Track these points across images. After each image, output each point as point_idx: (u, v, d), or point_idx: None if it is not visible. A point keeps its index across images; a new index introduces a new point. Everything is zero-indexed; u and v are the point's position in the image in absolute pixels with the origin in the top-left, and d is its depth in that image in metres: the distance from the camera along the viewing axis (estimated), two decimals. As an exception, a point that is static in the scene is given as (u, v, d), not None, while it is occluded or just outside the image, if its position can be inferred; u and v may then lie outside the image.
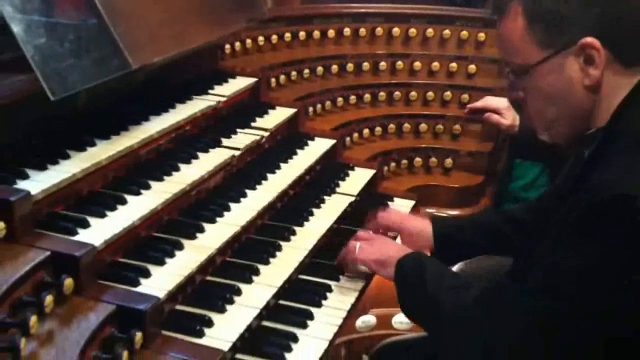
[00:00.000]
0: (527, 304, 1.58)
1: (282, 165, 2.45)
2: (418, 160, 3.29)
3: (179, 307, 1.80)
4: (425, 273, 1.83)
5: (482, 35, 3.44)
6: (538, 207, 2.05)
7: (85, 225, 1.75)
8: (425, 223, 2.23)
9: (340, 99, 3.26)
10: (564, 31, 1.59)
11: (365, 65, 3.37)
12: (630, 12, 1.59)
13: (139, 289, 1.70)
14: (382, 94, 3.36)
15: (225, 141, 2.36)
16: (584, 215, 1.50)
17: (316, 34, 3.31)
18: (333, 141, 2.76)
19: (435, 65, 3.43)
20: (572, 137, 1.72)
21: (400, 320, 3.27)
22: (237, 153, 2.31)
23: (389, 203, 2.63)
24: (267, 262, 2.02)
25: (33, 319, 1.40)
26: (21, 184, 1.74)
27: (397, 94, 3.38)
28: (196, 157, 2.21)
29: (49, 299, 1.48)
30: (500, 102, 3.07)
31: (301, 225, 2.25)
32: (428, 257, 2.01)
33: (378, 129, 3.28)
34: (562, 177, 1.87)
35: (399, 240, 2.29)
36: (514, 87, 1.74)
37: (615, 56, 1.59)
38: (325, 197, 2.45)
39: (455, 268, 2.67)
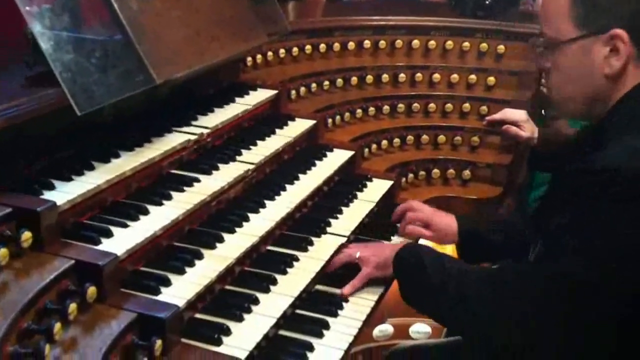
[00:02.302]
0: (535, 274, 1.69)
1: (301, 176, 2.50)
2: (436, 171, 3.31)
3: (198, 315, 1.85)
4: (423, 258, 1.91)
5: (501, 48, 3.46)
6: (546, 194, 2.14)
7: (109, 234, 1.81)
8: (451, 219, 2.35)
9: (359, 111, 3.30)
10: (600, 18, 1.70)
11: (385, 77, 3.41)
12: None
13: (159, 298, 1.75)
14: (401, 106, 3.38)
15: (245, 152, 2.42)
16: (578, 183, 1.63)
17: (336, 46, 3.36)
18: (351, 152, 2.80)
19: (455, 77, 3.45)
20: (584, 117, 1.85)
21: (417, 329, 3.30)
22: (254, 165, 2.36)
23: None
24: (284, 272, 2.06)
25: (57, 326, 1.46)
26: (47, 195, 1.80)
27: (416, 105, 3.40)
28: (217, 168, 2.26)
29: (72, 306, 1.53)
30: (519, 115, 3.08)
31: (319, 236, 2.29)
32: (422, 245, 2.08)
33: (396, 141, 3.31)
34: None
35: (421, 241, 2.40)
36: (543, 56, 1.84)
37: (638, 52, 1.69)
38: (343, 208, 2.49)
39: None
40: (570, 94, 1.80)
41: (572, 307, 1.63)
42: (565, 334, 1.66)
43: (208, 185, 2.16)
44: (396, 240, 2.46)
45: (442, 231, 2.34)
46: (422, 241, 2.44)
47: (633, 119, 1.69)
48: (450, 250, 2.49)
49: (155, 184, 2.11)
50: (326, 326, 1.94)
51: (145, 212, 1.94)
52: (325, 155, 2.71)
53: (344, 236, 2.32)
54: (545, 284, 1.66)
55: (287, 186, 2.39)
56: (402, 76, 3.43)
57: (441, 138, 3.38)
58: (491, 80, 3.45)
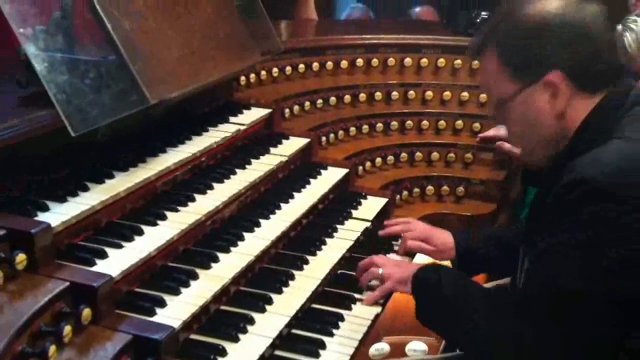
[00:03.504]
0: (522, 318, 1.70)
1: (296, 194, 2.50)
2: (430, 188, 3.32)
3: (193, 336, 1.84)
4: (442, 279, 1.93)
5: (493, 65, 3.47)
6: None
7: (104, 255, 1.80)
8: (447, 235, 2.40)
9: (353, 129, 3.31)
10: (532, 68, 1.77)
11: (378, 95, 3.42)
12: (589, 48, 1.74)
13: (154, 319, 1.74)
14: (395, 123, 3.40)
15: (239, 172, 2.42)
16: (556, 198, 1.67)
17: (329, 64, 3.37)
18: (346, 170, 2.81)
19: (447, 94, 3.47)
20: (551, 157, 1.86)
21: (414, 348, 3.27)
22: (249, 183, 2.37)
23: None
24: (280, 292, 2.06)
25: (52, 348, 1.45)
26: (42, 216, 1.80)
27: (409, 123, 3.41)
28: (211, 188, 2.26)
29: (67, 328, 1.52)
30: (511, 131, 3.10)
31: (314, 254, 2.28)
32: (444, 266, 2.10)
33: (390, 158, 3.32)
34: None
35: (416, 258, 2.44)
36: (497, 118, 1.92)
37: (578, 87, 1.76)
38: (338, 226, 2.49)
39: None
40: (530, 142, 1.86)
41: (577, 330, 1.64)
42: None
43: (203, 204, 2.16)
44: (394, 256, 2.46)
45: (440, 247, 2.37)
46: (421, 257, 2.45)
47: (595, 137, 1.74)
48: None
49: (149, 204, 2.10)
50: (322, 346, 1.93)
51: (140, 233, 1.94)
52: (319, 174, 2.71)
53: (339, 254, 2.31)
54: (543, 305, 1.67)
55: (282, 205, 2.39)
56: (394, 94, 3.44)
57: (435, 155, 3.39)
58: (483, 97, 3.45)
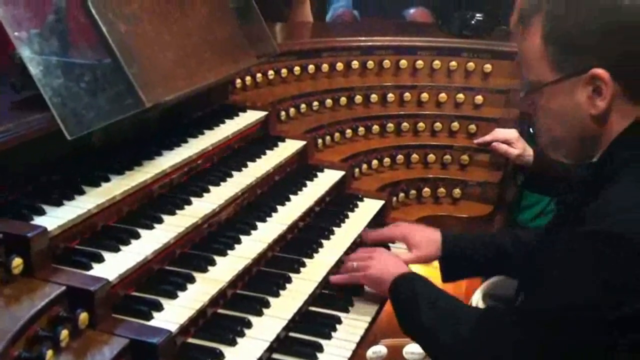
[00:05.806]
0: (514, 328, 1.64)
1: (292, 197, 2.49)
2: (426, 190, 3.31)
3: (190, 340, 1.83)
4: (419, 300, 1.87)
5: (488, 67, 3.49)
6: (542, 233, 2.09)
7: (100, 259, 1.80)
8: (432, 232, 2.32)
9: (349, 131, 3.30)
10: (578, 58, 1.61)
11: (374, 97, 3.42)
12: None
13: (151, 323, 1.73)
14: (391, 125, 3.39)
15: (236, 174, 2.41)
16: (570, 246, 1.57)
17: (325, 67, 3.37)
18: (342, 172, 2.80)
19: (443, 96, 3.47)
20: (576, 158, 1.77)
21: (411, 350, 3.27)
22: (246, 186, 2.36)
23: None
24: (277, 295, 2.05)
25: (49, 353, 1.45)
26: (38, 220, 1.79)
27: (405, 124, 3.41)
28: (208, 191, 2.25)
29: (64, 333, 1.51)
30: (509, 133, 3.09)
31: (311, 257, 2.28)
32: (420, 279, 2.00)
33: (387, 160, 3.31)
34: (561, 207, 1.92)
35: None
36: (527, 99, 1.77)
37: (623, 91, 1.61)
38: (335, 229, 2.48)
39: (480, 289, 2.73)
40: (559, 135, 1.73)
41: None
42: None
43: (199, 207, 2.15)
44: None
45: (423, 247, 2.29)
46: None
47: (628, 163, 1.62)
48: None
49: (146, 208, 2.09)
50: (320, 349, 1.93)
51: (137, 236, 1.93)
52: (316, 176, 2.71)
53: (336, 256, 2.31)
54: (528, 332, 1.61)
55: (279, 207, 2.39)
56: (390, 96, 3.43)
57: (431, 157, 3.38)
58: (479, 99, 3.47)
